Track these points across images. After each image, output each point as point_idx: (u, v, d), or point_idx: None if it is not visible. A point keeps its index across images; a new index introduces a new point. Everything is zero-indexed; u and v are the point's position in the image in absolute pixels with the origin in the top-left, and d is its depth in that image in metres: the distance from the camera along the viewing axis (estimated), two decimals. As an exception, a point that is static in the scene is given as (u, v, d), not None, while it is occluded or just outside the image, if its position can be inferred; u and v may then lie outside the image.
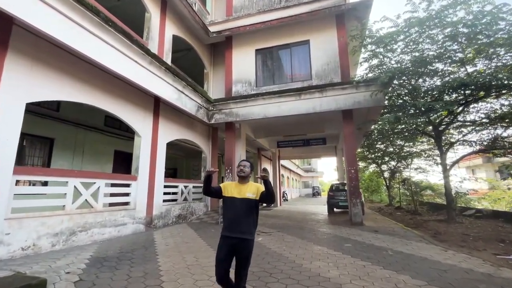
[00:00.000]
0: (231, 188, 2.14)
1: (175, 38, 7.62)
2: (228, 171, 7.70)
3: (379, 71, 6.35)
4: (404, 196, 13.05)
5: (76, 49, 3.67)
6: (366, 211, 10.89)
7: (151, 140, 5.93)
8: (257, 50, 8.19)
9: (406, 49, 6.23)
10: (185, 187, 7.35)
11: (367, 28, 6.37)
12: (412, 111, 6.17)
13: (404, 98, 7.04)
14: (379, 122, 6.51)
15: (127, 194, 5.29)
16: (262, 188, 2.06)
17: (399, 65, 6.12)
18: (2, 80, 3.25)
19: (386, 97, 6.65)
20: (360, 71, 15.33)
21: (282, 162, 20.40)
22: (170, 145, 7.14)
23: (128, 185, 5.30)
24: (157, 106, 6.19)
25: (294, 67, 7.88)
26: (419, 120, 5.94)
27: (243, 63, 8.21)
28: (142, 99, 5.67)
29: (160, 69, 5.23)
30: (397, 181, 13.71)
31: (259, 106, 7.13)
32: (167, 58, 6.80)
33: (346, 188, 7.97)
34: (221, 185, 2.20)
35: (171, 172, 16.82)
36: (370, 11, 6.96)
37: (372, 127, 8.69)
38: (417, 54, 6.05)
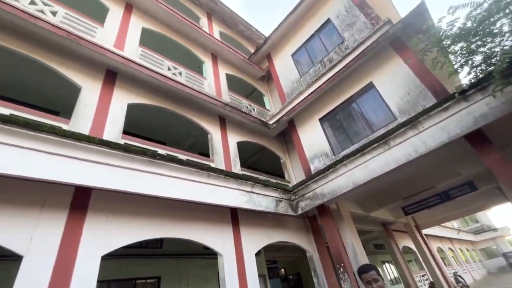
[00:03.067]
0: None
1: (241, 144, 8.00)
2: (342, 271, 5.79)
3: (488, 65, 4.29)
4: None
5: (136, 192, 3.98)
6: None
7: (235, 256, 5.28)
8: (320, 119, 7.50)
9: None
10: (295, 305, 5.75)
11: (435, 31, 4.87)
12: None
13: None
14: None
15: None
16: None
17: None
18: (81, 243, 3.62)
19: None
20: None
21: (431, 231, 15.17)
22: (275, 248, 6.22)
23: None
24: (235, 216, 5.83)
25: (369, 116, 6.52)
26: None
27: (312, 137, 7.51)
28: (215, 214, 5.47)
29: (218, 178, 5.12)
30: None
31: (342, 176, 5.75)
32: (236, 164, 6.91)
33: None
34: None
35: (295, 278, 14.82)
36: (427, 15, 5.57)
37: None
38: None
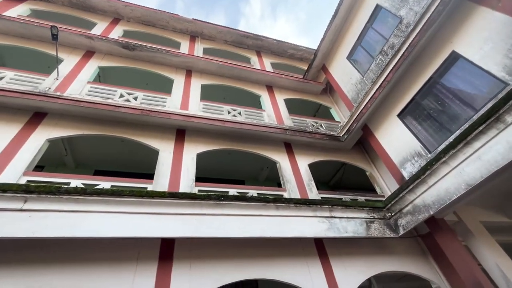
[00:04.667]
0: None
1: (317, 165, 7.45)
2: (491, 308, 4.10)
3: None
4: None
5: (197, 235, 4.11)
6: None
7: (328, 293, 4.55)
8: (399, 115, 6.25)
9: None
10: None
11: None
12: None
13: None
14: None
15: None
16: None
17: None
18: (170, 291, 3.88)
19: None
20: None
21: None
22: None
23: None
24: (320, 247, 5.18)
25: (464, 94, 4.99)
26: None
27: (395, 138, 6.28)
28: (296, 248, 5.00)
29: (288, 208, 4.75)
30: None
31: (447, 177, 4.38)
32: (311, 188, 6.39)
33: None
34: None
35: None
36: None
37: None
38: None
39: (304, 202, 4.89)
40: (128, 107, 5.86)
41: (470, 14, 4.84)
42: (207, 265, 4.27)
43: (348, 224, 5.05)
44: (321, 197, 6.25)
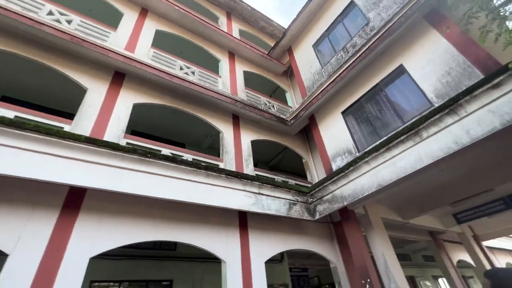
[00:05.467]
0: None
1: (263, 144, 7.54)
2: (368, 286, 4.90)
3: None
4: None
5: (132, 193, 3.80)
6: None
7: (241, 264, 4.80)
8: (343, 112, 6.64)
9: None
10: (312, 324, 5.03)
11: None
12: None
13: None
14: None
15: None
16: None
17: None
18: (69, 243, 3.53)
19: None
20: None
21: (497, 243, 12.75)
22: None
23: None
24: (243, 220, 5.37)
25: (399, 105, 5.52)
26: None
27: (334, 133, 6.70)
28: (221, 217, 5.08)
29: (219, 178, 4.72)
30: None
31: (365, 175, 4.88)
32: (248, 164, 6.46)
33: None
34: None
35: (330, 288, 13.61)
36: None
37: None
38: None
39: (236, 175, 4.91)
40: (56, 29, 4.83)
41: (424, 34, 5.22)
42: (121, 221, 4.00)
43: (273, 203, 5.30)
44: (256, 174, 6.40)
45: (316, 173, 7.84)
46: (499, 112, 3.41)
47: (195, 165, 4.45)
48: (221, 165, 5.90)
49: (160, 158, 4.16)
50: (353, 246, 5.35)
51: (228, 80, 8.03)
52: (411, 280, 12.52)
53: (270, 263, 7.66)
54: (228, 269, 4.60)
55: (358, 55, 6.04)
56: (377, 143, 4.93)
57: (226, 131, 6.71)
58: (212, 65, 8.23)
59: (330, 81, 6.62)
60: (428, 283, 13.58)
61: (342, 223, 5.73)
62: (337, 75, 6.46)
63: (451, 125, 3.84)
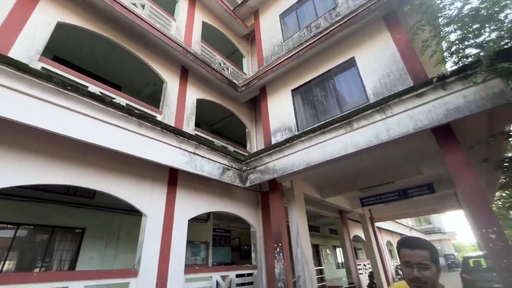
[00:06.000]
0: None
1: (209, 106, 7.22)
2: (279, 250, 5.50)
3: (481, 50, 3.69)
4: None
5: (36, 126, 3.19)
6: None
7: (163, 219, 4.76)
8: (293, 91, 6.79)
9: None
10: (223, 277, 5.47)
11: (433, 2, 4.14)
12: None
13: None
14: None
15: (124, 299, 3.93)
16: None
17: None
18: None
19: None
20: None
21: (384, 225, 15.72)
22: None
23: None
24: (173, 176, 5.23)
25: (342, 95, 5.91)
26: None
27: (280, 109, 6.85)
28: (148, 170, 4.83)
29: (153, 130, 4.39)
30: None
31: (298, 153, 5.23)
32: (189, 122, 6.18)
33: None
34: None
35: (248, 249, 15.02)
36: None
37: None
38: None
39: (172, 130, 4.63)
40: None
41: (379, 33, 5.53)
42: (27, 159, 3.40)
43: (207, 164, 5.26)
44: (196, 134, 6.19)
45: (256, 144, 8.06)
46: (415, 118, 3.95)
47: (127, 111, 4.01)
48: (159, 118, 5.48)
49: (84, 95, 3.58)
50: (274, 214, 5.84)
51: (184, 27, 7.23)
52: (315, 247, 14.68)
53: (195, 221, 7.85)
54: (148, 223, 4.51)
55: (319, 36, 6.09)
56: (315, 126, 5.24)
57: (171, 82, 6.17)
58: (167, 6, 7.22)
59: (288, 56, 6.59)
60: (328, 251, 16.16)
61: (269, 194, 6.13)
62: (296, 51, 6.45)
63: (377, 122, 4.31)
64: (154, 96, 8.19)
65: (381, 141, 4.20)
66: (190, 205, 5.37)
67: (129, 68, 7.13)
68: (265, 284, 6.06)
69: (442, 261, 24.71)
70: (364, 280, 10.85)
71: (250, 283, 6.09)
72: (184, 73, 6.64)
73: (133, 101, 5.14)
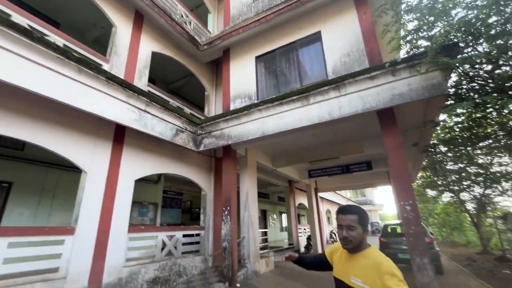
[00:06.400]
0: (337, 259, 1.37)
1: (162, 58, 6.60)
2: (226, 213, 5.72)
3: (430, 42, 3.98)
4: (504, 236, 8.85)
5: None
6: (447, 264, 7.35)
7: (106, 177, 4.48)
8: (257, 58, 6.59)
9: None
10: (170, 237, 5.55)
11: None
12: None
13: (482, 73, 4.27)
14: (447, 121, 3.94)
15: (59, 256, 3.73)
16: (389, 279, 1.06)
17: (471, 12, 3.55)
18: None
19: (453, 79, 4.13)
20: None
21: (326, 195, 17.38)
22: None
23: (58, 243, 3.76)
24: (121, 133, 4.85)
25: (304, 68, 5.96)
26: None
27: (243, 75, 6.65)
28: (91, 124, 4.38)
29: (97, 80, 3.91)
30: (490, 215, 9.62)
31: (255, 121, 5.25)
32: (142, 77, 5.64)
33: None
34: (326, 250, 1.48)
35: (199, 212, 15.38)
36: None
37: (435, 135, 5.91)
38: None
39: (120, 83, 4.18)
40: None
41: (347, 11, 5.53)
42: None
43: (158, 124, 4.97)
44: (148, 90, 5.71)
45: (214, 109, 7.84)
46: (365, 99, 4.22)
47: (63, 53, 3.44)
48: (106, 67, 4.87)
49: (4, 24, 2.93)
50: (226, 180, 5.95)
51: (141, -37, 6.22)
52: (264, 213, 15.71)
53: (144, 182, 7.62)
54: (88, 181, 4.20)
55: (290, 2, 5.85)
56: (274, 96, 5.25)
57: (122, 27, 5.43)
58: None
59: (256, 19, 6.26)
60: (274, 216, 17.46)
61: (223, 160, 6.16)
62: (265, 15, 6.14)
63: (331, 99, 4.50)
64: (102, 42, 7.16)
65: (332, 118, 4.43)
66: (138, 165, 5.13)
67: (74, 5, 6.01)
68: (211, 244, 6.35)
69: (369, 227, 29.03)
70: (303, 242, 12.15)
71: (197, 243, 6.32)
72: (139, 19, 5.87)
73: (73, 42, 4.42)
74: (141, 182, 7.53)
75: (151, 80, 7.91)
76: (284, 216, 17.90)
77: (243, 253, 6.14)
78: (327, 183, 13.48)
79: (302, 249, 11.54)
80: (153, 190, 8.25)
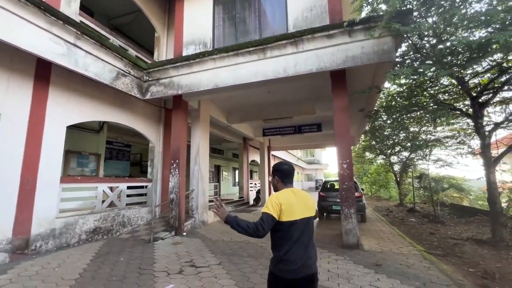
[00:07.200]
0: (290, 205, 1.35)
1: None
2: (175, 166, 5.58)
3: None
4: (417, 193, 10.67)
5: None
6: (370, 214, 8.65)
7: (28, 120, 3.84)
8: (216, 0, 5.90)
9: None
10: (111, 188, 5.28)
11: None
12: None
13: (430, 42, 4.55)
14: (390, 90, 4.20)
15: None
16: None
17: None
18: None
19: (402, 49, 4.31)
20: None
21: (278, 153, 18.23)
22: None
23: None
24: (45, 70, 4.07)
25: (265, 18, 5.57)
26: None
27: (198, 19, 5.95)
28: (5, 52, 3.56)
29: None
30: (410, 176, 11.32)
31: (207, 71, 4.90)
32: (72, 2, 4.62)
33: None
34: (273, 210, 1.33)
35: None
36: None
37: (378, 102, 6.36)
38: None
39: (37, 4, 3.34)
40: None
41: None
42: None
43: (94, 64, 4.28)
44: (81, 21, 4.77)
45: (165, 54, 7.06)
46: (320, 59, 4.19)
47: None
48: (17, -19, 3.81)
49: None
50: (175, 132, 5.68)
51: None
52: (218, 168, 15.97)
53: (82, 130, 6.87)
54: (2, 123, 3.55)
55: None
56: (230, 45, 4.87)
57: None
58: None
59: (215, -49, 5.42)
60: (228, 171, 17.95)
61: (173, 111, 5.79)
62: None
63: (288, 55, 4.36)
64: None
65: (287, 75, 4.36)
66: (71, 110, 4.50)
67: None
68: (158, 196, 6.28)
69: (313, 184, 32.00)
70: (252, 195, 12.91)
71: (144, 194, 6.19)
72: None
73: None
74: (78, 130, 6.77)
75: (89, 12, 6.65)
76: (237, 172, 18.51)
77: (192, 205, 6.25)
78: (280, 142, 14.03)
79: (251, 202, 12.31)
80: (94, 140, 7.54)
